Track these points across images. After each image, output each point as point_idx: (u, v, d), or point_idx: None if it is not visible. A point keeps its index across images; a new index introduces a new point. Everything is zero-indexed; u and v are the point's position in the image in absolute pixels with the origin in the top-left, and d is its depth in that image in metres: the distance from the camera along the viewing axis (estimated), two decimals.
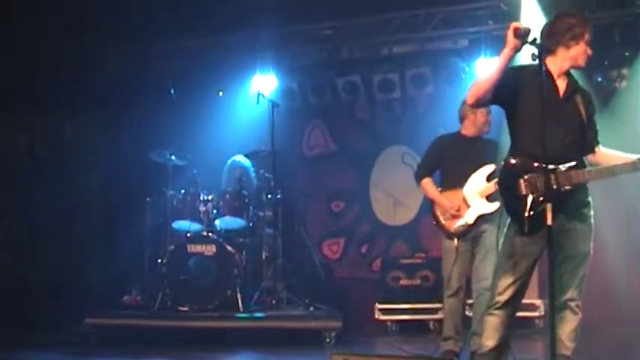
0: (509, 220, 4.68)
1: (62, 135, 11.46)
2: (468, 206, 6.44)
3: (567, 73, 4.70)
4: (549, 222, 4.19)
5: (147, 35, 10.37)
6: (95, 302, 8.86)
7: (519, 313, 6.86)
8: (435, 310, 8.69)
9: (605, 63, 9.17)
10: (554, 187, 4.40)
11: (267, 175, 9.20)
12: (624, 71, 9.07)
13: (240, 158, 9.38)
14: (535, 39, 4.41)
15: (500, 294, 4.65)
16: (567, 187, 4.43)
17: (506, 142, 4.86)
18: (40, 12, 9.47)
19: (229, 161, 9.44)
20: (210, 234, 8.64)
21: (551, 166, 4.39)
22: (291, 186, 10.16)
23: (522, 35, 4.42)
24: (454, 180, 6.57)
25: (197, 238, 8.64)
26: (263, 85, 10.09)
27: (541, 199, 4.44)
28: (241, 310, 8.25)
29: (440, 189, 6.73)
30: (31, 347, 8.10)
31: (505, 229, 4.74)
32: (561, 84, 4.64)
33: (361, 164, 10.84)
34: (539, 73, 4.44)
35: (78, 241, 10.90)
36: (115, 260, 9.77)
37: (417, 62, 10.19)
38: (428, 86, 10.17)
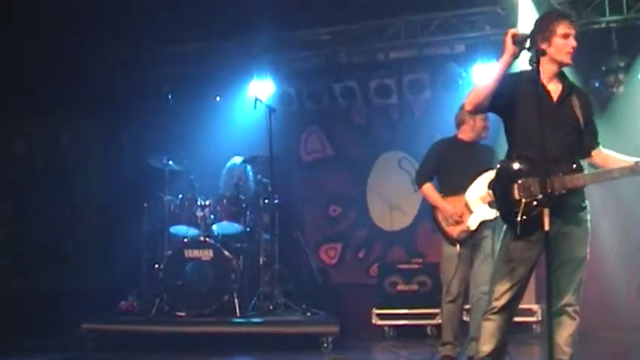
0: (505, 225, 4.69)
1: (59, 140, 11.45)
2: (470, 212, 6.44)
3: (562, 76, 4.67)
4: (547, 227, 4.19)
5: (144, 40, 10.38)
6: (92, 307, 8.83)
7: (517, 318, 6.85)
8: (432, 316, 8.69)
9: (603, 69, 9.18)
10: (549, 191, 4.38)
11: (264, 180, 9.20)
12: (621, 77, 9.08)
13: (238, 160, 9.38)
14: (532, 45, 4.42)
15: (497, 299, 4.65)
16: (562, 192, 4.41)
17: (502, 147, 4.86)
18: (40, 15, 9.48)
19: (228, 164, 9.46)
20: (207, 239, 8.63)
21: (546, 171, 4.39)
22: (288, 191, 10.17)
23: (520, 41, 4.43)
24: (453, 185, 6.57)
25: (194, 243, 8.63)
26: (260, 90, 10.11)
27: (535, 203, 4.44)
28: (238, 315, 8.24)
29: (440, 194, 6.71)
30: (28, 352, 8.09)
31: (502, 235, 4.75)
32: (555, 87, 4.62)
33: (358, 169, 10.85)
34: (533, 79, 4.47)
35: (75, 246, 10.90)
36: (112, 265, 9.75)
37: (414, 68, 10.20)
38: (425, 91, 10.18)
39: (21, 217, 10.98)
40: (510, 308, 4.66)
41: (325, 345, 7.84)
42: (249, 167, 9.45)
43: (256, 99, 8.99)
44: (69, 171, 11.26)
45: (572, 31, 4.59)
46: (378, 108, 10.69)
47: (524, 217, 4.47)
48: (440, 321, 7.18)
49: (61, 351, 8.10)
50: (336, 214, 10.94)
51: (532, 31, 4.63)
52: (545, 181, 4.40)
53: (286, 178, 10.25)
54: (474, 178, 6.44)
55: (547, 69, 4.59)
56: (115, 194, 10.62)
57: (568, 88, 4.64)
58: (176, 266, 8.48)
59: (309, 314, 8.51)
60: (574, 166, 4.49)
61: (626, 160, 4.54)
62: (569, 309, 4.55)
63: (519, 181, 4.53)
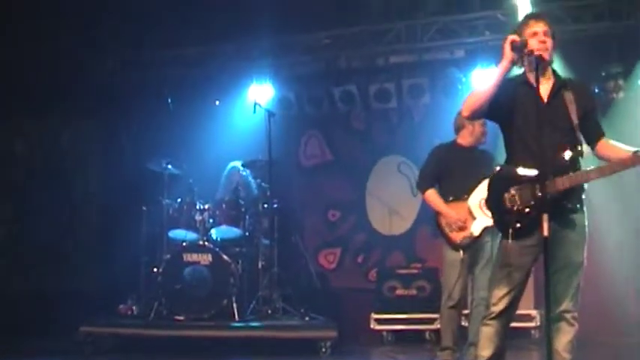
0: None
1: (59, 141, 11.44)
2: (474, 218, 6.43)
3: (551, 74, 4.64)
4: (546, 233, 4.18)
5: (145, 43, 10.39)
6: (91, 311, 8.82)
7: (515, 324, 6.85)
8: (431, 320, 8.68)
9: (603, 74, 9.19)
10: (540, 195, 4.38)
11: (263, 184, 9.20)
12: (621, 82, 9.09)
13: (237, 164, 9.38)
14: (532, 50, 4.43)
15: (494, 304, 4.64)
16: (555, 195, 4.38)
17: (502, 153, 4.86)
18: (40, 15, 9.48)
19: (228, 168, 9.46)
20: (206, 243, 8.62)
21: (538, 175, 4.39)
22: (287, 195, 10.17)
23: (519, 47, 4.43)
24: (455, 191, 6.56)
25: (193, 247, 8.62)
26: (260, 94, 10.11)
27: (527, 210, 4.44)
28: (237, 319, 8.23)
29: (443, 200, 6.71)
30: (27, 355, 8.10)
31: (498, 240, 4.75)
32: (545, 87, 4.58)
33: (357, 174, 10.84)
34: (522, 82, 4.51)
35: (74, 249, 10.89)
36: (111, 269, 9.74)
37: (413, 72, 10.20)
38: (424, 96, 10.17)
39: (21, 217, 10.97)
40: (508, 313, 4.65)
41: (324, 350, 7.84)
42: (248, 172, 9.45)
43: (256, 103, 8.99)
44: (68, 172, 11.25)
45: (541, 28, 4.57)
46: (377, 112, 10.69)
47: (518, 226, 4.48)
48: (439, 326, 7.19)
49: (60, 354, 8.11)
50: (335, 218, 10.93)
51: None
52: (535, 186, 4.41)
53: (285, 183, 10.24)
54: (474, 184, 6.43)
55: (532, 72, 4.56)
56: (114, 197, 10.62)
57: (558, 85, 4.60)
58: (175, 270, 8.47)
59: (307, 319, 8.50)
60: (567, 166, 4.43)
61: (626, 151, 4.47)
62: (568, 315, 4.52)
63: (511, 189, 4.53)
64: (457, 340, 6.64)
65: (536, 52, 4.45)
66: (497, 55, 8.79)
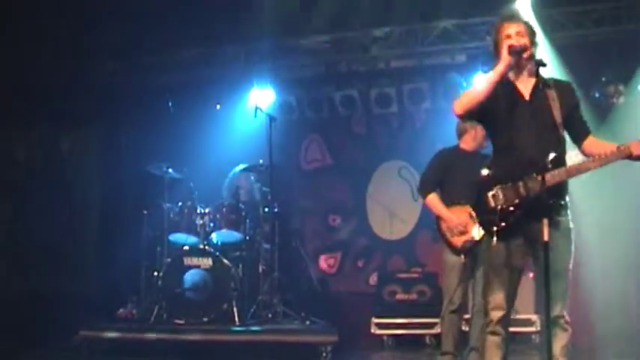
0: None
1: (59, 147, 11.45)
2: (475, 222, 6.42)
3: (533, 74, 4.58)
4: (546, 237, 4.16)
5: (145, 47, 10.39)
6: (91, 314, 8.83)
7: (515, 329, 6.85)
8: (431, 325, 8.67)
9: (603, 79, 9.20)
10: (524, 194, 4.38)
11: (264, 188, 9.20)
12: (621, 87, 9.10)
13: (240, 168, 9.39)
14: (532, 55, 4.43)
15: (493, 310, 4.60)
16: (539, 193, 4.35)
17: None
18: (40, 20, 9.49)
19: (231, 172, 9.48)
20: (206, 247, 8.63)
21: (520, 174, 4.39)
22: (288, 200, 10.17)
23: (517, 52, 4.44)
24: (456, 195, 6.55)
25: (194, 251, 8.62)
26: (261, 98, 10.11)
27: (511, 209, 4.44)
28: (237, 323, 8.23)
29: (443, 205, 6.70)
30: (26, 358, 8.08)
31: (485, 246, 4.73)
32: (526, 86, 4.57)
33: (358, 178, 10.85)
34: (504, 83, 4.51)
35: (74, 253, 10.88)
36: (111, 272, 9.75)
37: (414, 77, 10.21)
38: (425, 101, 10.18)
39: (21, 220, 10.97)
40: (508, 316, 4.63)
41: (324, 354, 7.82)
42: (252, 176, 9.45)
43: (257, 107, 8.99)
44: (69, 175, 11.26)
45: (514, 30, 4.57)
46: (378, 117, 10.70)
47: (503, 225, 4.46)
48: (439, 330, 7.18)
49: (60, 357, 8.10)
50: (336, 223, 10.95)
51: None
52: (518, 184, 4.41)
53: (286, 187, 10.25)
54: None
55: (515, 71, 4.58)
56: (114, 200, 10.64)
57: (541, 84, 4.55)
58: (175, 274, 8.47)
59: (308, 323, 8.50)
60: (549, 164, 4.36)
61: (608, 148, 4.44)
62: (561, 321, 4.48)
63: (494, 189, 4.52)
64: (458, 344, 6.63)
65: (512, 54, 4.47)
66: (497, 60, 8.81)
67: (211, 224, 8.82)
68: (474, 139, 6.72)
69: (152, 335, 8.25)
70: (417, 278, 9.28)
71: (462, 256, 6.48)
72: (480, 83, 4.62)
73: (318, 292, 9.93)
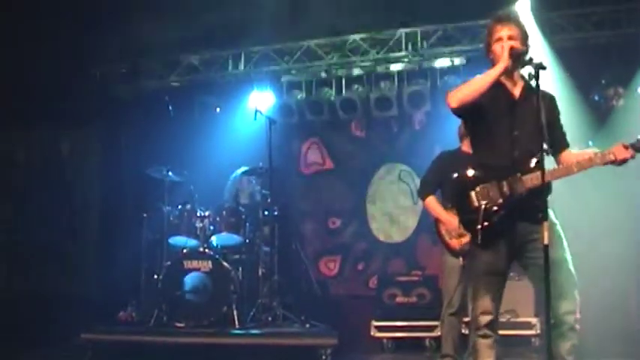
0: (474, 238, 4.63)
1: (59, 148, 11.46)
2: None
3: (522, 78, 4.63)
4: (546, 241, 4.15)
5: (145, 50, 10.40)
6: (91, 317, 8.82)
7: (515, 332, 6.84)
8: (431, 328, 8.66)
9: (603, 82, 9.21)
10: (508, 194, 4.38)
11: (264, 191, 9.20)
12: (621, 90, 9.11)
13: (243, 171, 9.40)
14: (531, 58, 4.43)
15: (482, 314, 4.59)
16: (522, 193, 4.37)
17: None
18: (41, 21, 9.50)
19: (233, 175, 9.48)
20: (206, 250, 8.63)
21: (504, 173, 4.41)
22: (288, 203, 10.17)
23: (518, 55, 4.46)
24: None
25: (193, 254, 8.62)
26: (260, 101, 10.12)
27: (495, 208, 4.43)
28: (237, 326, 8.22)
29: (443, 207, 6.70)
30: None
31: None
32: (516, 88, 4.60)
33: (358, 181, 10.85)
34: (495, 85, 4.52)
35: (74, 256, 10.89)
36: (111, 275, 9.75)
37: (414, 80, 10.19)
38: (425, 104, 10.17)
39: (20, 223, 10.98)
40: (496, 319, 4.63)
41: (324, 357, 7.81)
42: (252, 179, 9.45)
43: (256, 110, 8.99)
44: (69, 177, 11.27)
45: (505, 33, 4.59)
46: (378, 120, 10.69)
47: (486, 224, 4.45)
48: (439, 333, 7.18)
49: (60, 359, 8.09)
50: (336, 226, 10.94)
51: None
52: (502, 183, 4.41)
53: (286, 190, 10.26)
54: None
55: (504, 73, 4.57)
56: (114, 203, 10.64)
57: (529, 89, 4.56)
58: (175, 277, 8.47)
59: (307, 326, 8.50)
60: (533, 165, 4.38)
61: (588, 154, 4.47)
62: (569, 318, 4.42)
63: (477, 188, 4.52)
64: (458, 347, 6.62)
65: (503, 61, 4.48)
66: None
67: (211, 227, 8.82)
68: None
69: (152, 338, 8.26)
70: (416, 281, 9.26)
71: (461, 259, 6.49)
72: (477, 80, 4.61)
73: (318, 295, 9.92)
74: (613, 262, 8.60)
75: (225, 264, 8.47)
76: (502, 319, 6.48)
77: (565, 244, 4.54)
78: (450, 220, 6.56)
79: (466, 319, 6.95)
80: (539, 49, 8.47)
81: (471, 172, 4.58)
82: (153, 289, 8.78)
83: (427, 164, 7.05)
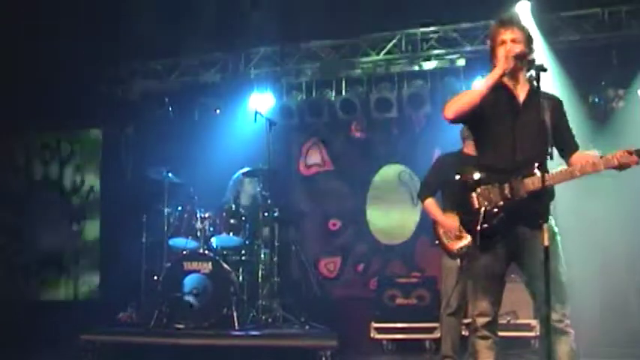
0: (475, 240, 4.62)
1: (59, 152, 11.47)
2: None
3: (527, 81, 4.60)
4: (546, 243, 4.14)
5: (145, 53, 10.41)
6: (91, 319, 8.82)
7: (515, 334, 6.84)
8: (430, 330, 8.67)
9: (602, 83, 9.21)
10: (509, 196, 4.37)
11: (264, 193, 9.20)
12: (621, 92, 9.11)
13: (244, 171, 9.40)
14: (532, 60, 4.43)
15: (479, 316, 4.58)
16: (523, 196, 4.35)
17: None
18: (41, 25, 9.51)
19: (234, 176, 9.48)
20: (206, 251, 8.62)
21: (505, 176, 4.39)
22: (288, 204, 10.16)
23: (519, 58, 4.46)
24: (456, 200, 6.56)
25: (193, 255, 8.61)
26: (260, 103, 10.12)
27: (495, 210, 4.43)
28: (237, 328, 8.22)
29: (442, 209, 6.72)
30: None
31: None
32: (520, 91, 4.58)
33: (358, 183, 10.85)
34: (498, 87, 4.51)
35: (74, 259, 10.89)
36: (112, 277, 9.75)
37: (414, 81, 10.20)
38: (425, 105, 10.17)
39: (21, 225, 10.99)
40: (495, 321, 4.62)
41: (324, 358, 7.79)
42: (253, 180, 9.45)
43: (256, 112, 8.98)
44: (68, 182, 11.27)
45: (509, 36, 4.57)
46: (377, 122, 10.69)
47: (485, 226, 4.45)
48: (439, 335, 7.19)
49: None
50: (336, 227, 10.94)
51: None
52: (503, 186, 4.41)
53: (286, 191, 10.26)
54: None
55: (509, 76, 4.57)
56: (114, 205, 10.63)
57: (534, 92, 4.49)
58: (175, 278, 8.46)
59: (307, 327, 8.51)
60: (535, 168, 4.36)
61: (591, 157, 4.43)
62: (559, 325, 4.41)
63: (478, 190, 4.52)
64: (457, 349, 6.63)
65: (504, 64, 4.48)
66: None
67: (211, 229, 8.81)
68: None
69: (152, 339, 8.24)
70: (416, 283, 9.27)
71: (458, 261, 6.50)
72: (473, 90, 4.61)
73: (318, 297, 9.93)
74: (613, 262, 8.61)
75: (225, 265, 8.47)
76: (502, 321, 6.50)
77: (561, 255, 4.51)
78: (448, 222, 6.58)
79: (466, 321, 6.97)
80: (539, 50, 8.47)
81: (473, 174, 4.57)
82: (153, 290, 8.78)
83: (427, 166, 7.07)
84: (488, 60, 4.72)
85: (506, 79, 4.57)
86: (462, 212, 4.68)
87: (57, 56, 9.87)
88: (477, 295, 4.61)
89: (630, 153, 4.31)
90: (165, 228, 8.93)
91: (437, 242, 6.73)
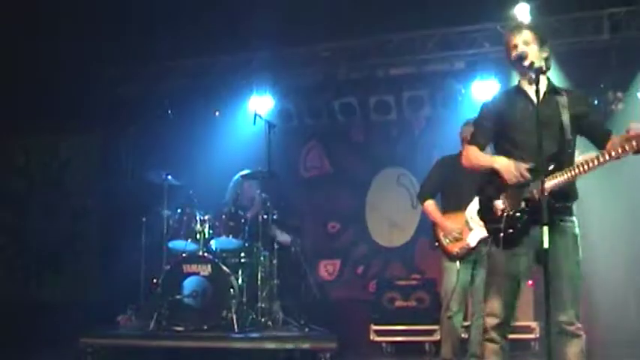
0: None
1: (58, 154, 11.47)
2: (470, 229, 6.44)
3: (547, 80, 4.62)
4: (546, 245, 4.15)
5: (144, 56, 10.41)
6: (90, 321, 8.81)
7: (515, 336, 6.83)
8: (430, 332, 8.67)
9: (601, 86, 9.21)
10: (530, 198, 4.39)
11: (263, 195, 9.20)
12: (620, 94, 9.11)
13: (244, 174, 9.39)
14: (532, 63, 4.44)
15: (489, 316, 4.61)
16: (545, 197, 4.29)
17: None
18: (41, 29, 9.51)
19: (234, 178, 9.48)
20: (206, 254, 8.61)
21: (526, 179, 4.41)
22: (287, 207, 10.16)
23: (518, 59, 4.47)
24: (456, 202, 6.58)
25: (193, 258, 8.60)
26: (260, 105, 10.13)
27: (517, 214, 4.45)
28: (236, 330, 8.21)
29: (442, 211, 6.74)
30: None
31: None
32: (535, 92, 4.54)
33: (357, 186, 10.86)
34: (516, 93, 4.60)
35: (74, 261, 10.89)
36: (111, 279, 9.75)
37: (413, 84, 10.21)
38: (424, 108, 10.19)
39: (21, 228, 10.99)
40: (506, 324, 4.63)
41: None
42: (253, 182, 9.44)
43: (256, 114, 8.99)
44: (68, 184, 11.27)
45: (520, 39, 4.60)
46: (377, 124, 10.71)
47: (510, 231, 4.47)
48: (438, 337, 7.20)
49: None
50: (335, 230, 10.95)
51: None
52: (523, 189, 4.43)
53: (285, 194, 10.25)
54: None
55: (525, 79, 4.61)
56: (114, 208, 10.64)
57: (550, 90, 4.59)
58: (174, 281, 8.45)
59: (307, 330, 8.50)
60: (552, 168, 4.40)
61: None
62: (570, 327, 4.43)
63: (501, 195, 4.55)
64: (457, 351, 6.63)
65: (520, 69, 4.55)
66: (496, 67, 8.86)
67: (210, 231, 8.81)
68: None
69: (151, 342, 8.24)
70: (415, 285, 9.27)
71: (457, 263, 6.51)
72: (482, 160, 4.75)
73: (318, 299, 9.92)
74: (613, 262, 8.62)
75: (224, 268, 8.46)
76: None
77: (580, 257, 4.53)
78: (445, 224, 6.62)
79: (466, 324, 6.97)
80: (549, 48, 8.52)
81: (495, 181, 4.60)
82: (152, 293, 8.78)
83: (426, 168, 7.08)
84: (486, 62, 4.77)
85: (523, 83, 4.59)
86: (486, 220, 4.72)
87: (57, 57, 9.88)
88: (490, 296, 4.64)
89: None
90: (165, 230, 8.92)
91: (436, 244, 6.75)
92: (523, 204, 4.44)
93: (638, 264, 8.96)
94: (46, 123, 10.82)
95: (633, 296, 8.99)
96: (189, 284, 8.42)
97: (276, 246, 9.16)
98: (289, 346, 8.17)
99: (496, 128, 4.71)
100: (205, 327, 8.24)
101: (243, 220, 8.90)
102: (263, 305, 8.72)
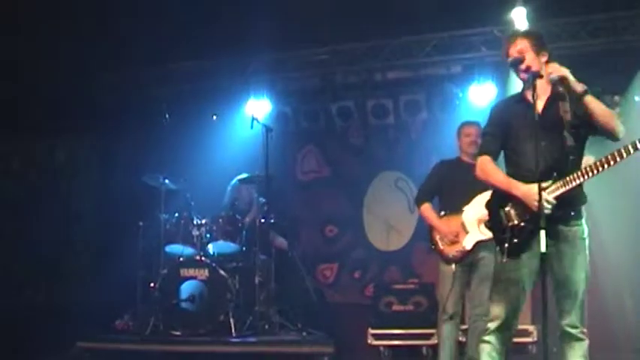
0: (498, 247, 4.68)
1: (54, 159, 11.45)
2: (467, 232, 6.46)
3: (551, 83, 4.61)
4: (543, 249, 4.17)
5: (141, 59, 10.40)
6: (88, 326, 8.80)
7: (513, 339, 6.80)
8: (427, 336, 8.66)
9: (598, 90, 9.19)
10: (536, 208, 4.37)
11: (260, 199, 9.20)
12: (617, 98, 9.11)
13: (242, 177, 9.39)
14: (529, 67, 4.45)
15: (491, 320, 4.65)
16: (543, 205, 4.33)
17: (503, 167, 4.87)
18: (38, 32, 9.50)
19: (232, 182, 9.48)
20: (203, 258, 8.62)
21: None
22: (284, 210, 10.15)
23: (514, 64, 4.48)
24: (453, 205, 6.60)
25: (190, 262, 8.61)
26: (257, 109, 10.11)
27: (523, 224, 4.46)
28: (234, 334, 8.22)
29: (439, 214, 6.75)
30: None
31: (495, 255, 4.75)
32: (539, 99, 4.56)
33: (355, 189, 10.86)
34: (519, 101, 4.64)
35: (70, 265, 10.86)
36: (108, 284, 9.71)
37: (410, 88, 10.23)
38: (421, 112, 10.20)
39: (16, 233, 10.94)
40: (506, 329, 4.64)
41: None
42: (250, 187, 9.44)
43: (253, 118, 8.97)
44: (64, 190, 11.26)
45: (516, 47, 4.64)
46: (374, 128, 10.71)
47: (515, 241, 4.49)
48: (436, 341, 7.20)
49: None
50: (333, 234, 10.95)
51: None
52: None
53: (282, 198, 10.24)
54: (474, 199, 6.46)
55: (527, 86, 4.61)
56: (110, 212, 10.62)
57: (554, 96, 4.60)
58: (171, 285, 8.46)
59: (304, 334, 8.50)
60: (555, 175, 4.41)
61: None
62: (574, 331, 4.48)
63: (508, 205, 4.56)
64: (454, 355, 6.64)
65: (521, 75, 4.59)
66: (494, 71, 8.86)
67: (208, 235, 8.82)
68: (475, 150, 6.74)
69: (148, 346, 8.24)
70: (413, 289, 9.25)
71: (453, 266, 6.52)
72: (500, 182, 4.69)
73: (315, 303, 9.90)
74: (610, 263, 8.61)
75: (221, 272, 8.47)
76: None
77: (586, 262, 4.55)
78: (441, 227, 6.64)
79: (463, 327, 6.97)
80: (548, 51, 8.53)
81: (500, 191, 4.62)
82: (149, 297, 8.76)
83: (424, 172, 7.10)
84: (483, 66, 4.80)
85: (527, 92, 4.62)
86: (494, 230, 4.74)
87: (53, 63, 9.86)
88: (493, 300, 4.68)
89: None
90: (162, 235, 8.92)
91: (432, 247, 6.76)
92: (528, 215, 4.44)
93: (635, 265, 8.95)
94: (43, 126, 10.79)
95: (629, 298, 8.98)
96: (186, 288, 8.43)
97: (273, 250, 9.15)
98: (287, 350, 8.19)
99: (502, 135, 4.72)
100: (202, 331, 8.26)
101: (240, 224, 8.91)
102: (260, 309, 8.70)
